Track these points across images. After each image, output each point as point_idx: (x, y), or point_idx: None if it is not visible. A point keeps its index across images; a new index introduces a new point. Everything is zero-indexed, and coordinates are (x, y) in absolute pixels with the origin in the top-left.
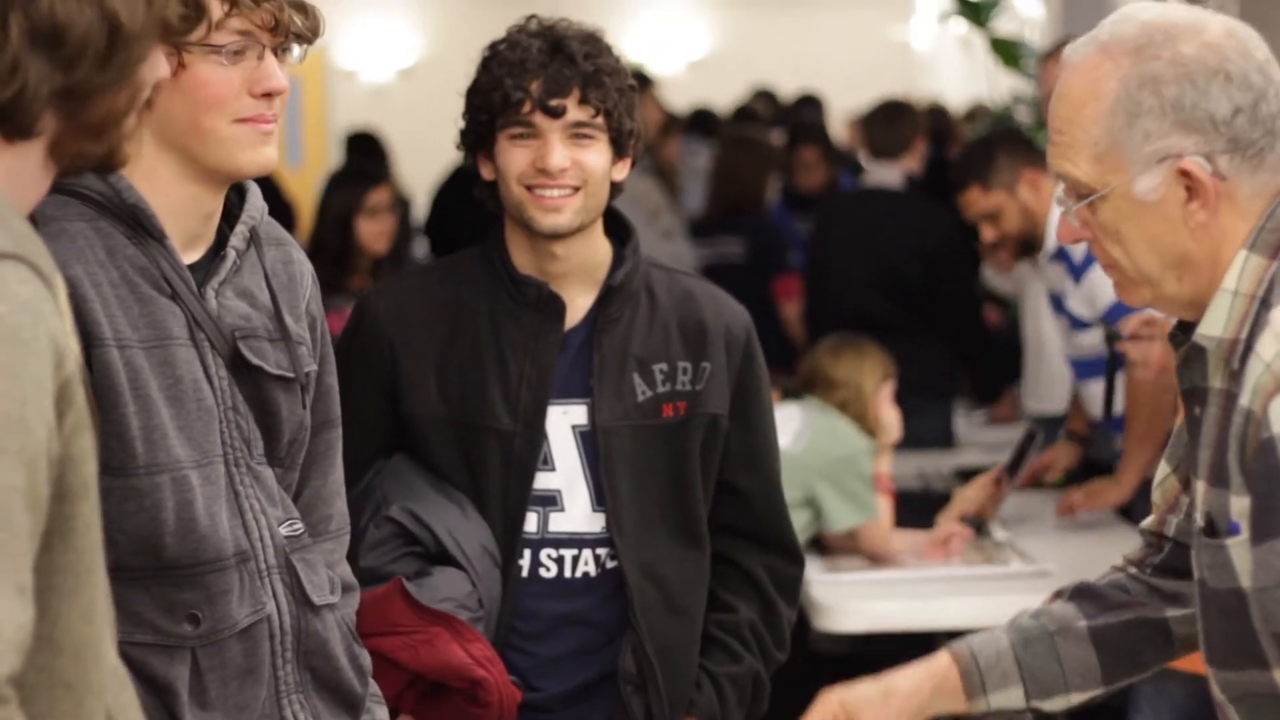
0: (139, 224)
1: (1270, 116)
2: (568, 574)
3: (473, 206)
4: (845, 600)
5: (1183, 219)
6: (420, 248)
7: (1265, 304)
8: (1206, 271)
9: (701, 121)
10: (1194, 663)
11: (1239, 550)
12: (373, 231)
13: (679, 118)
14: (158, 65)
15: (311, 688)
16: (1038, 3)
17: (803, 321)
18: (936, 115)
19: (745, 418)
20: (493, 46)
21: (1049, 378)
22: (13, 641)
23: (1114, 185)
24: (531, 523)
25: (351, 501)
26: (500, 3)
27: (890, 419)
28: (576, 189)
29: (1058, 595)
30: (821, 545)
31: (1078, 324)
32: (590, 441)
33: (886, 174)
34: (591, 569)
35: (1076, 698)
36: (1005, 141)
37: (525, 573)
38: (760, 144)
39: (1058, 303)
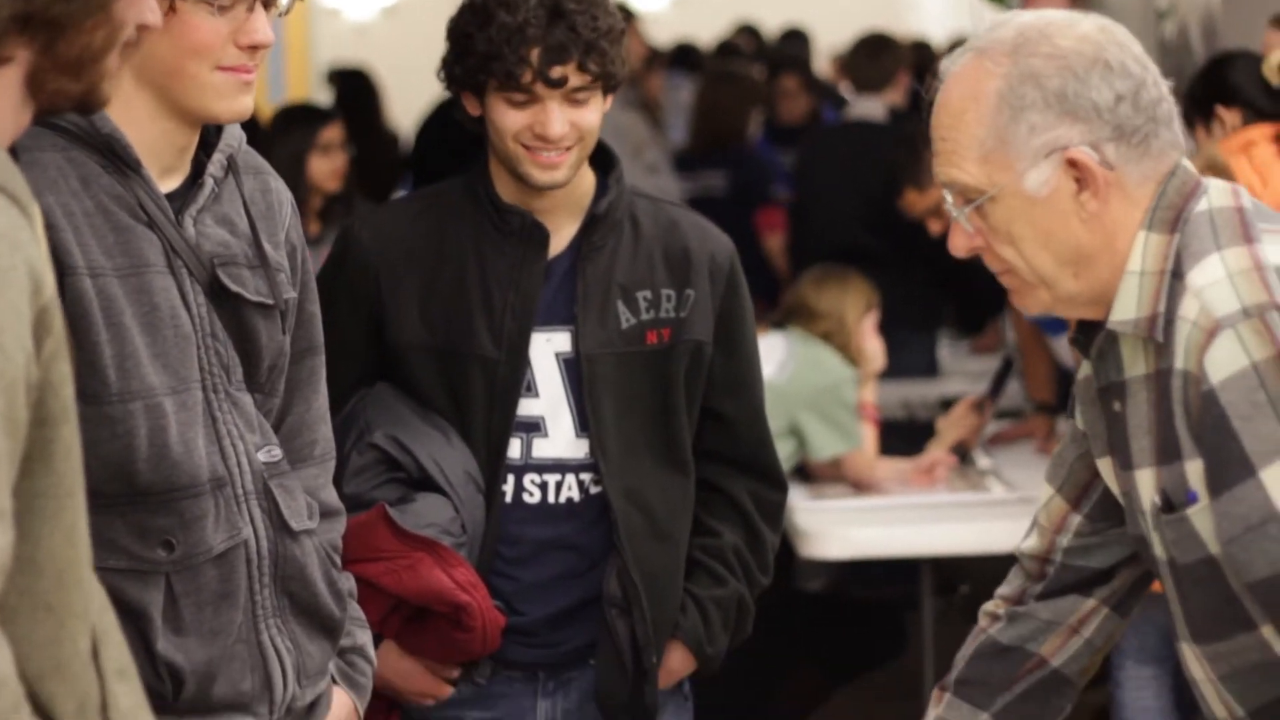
0: (114, 154)
1: (1151, 103)
2: (551, 499)
3: (455, 137)
4: (830, 527)
5: (1075, 211)
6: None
7: (1176, 275)
8: (1104, 264)
9: (685, 56)
10: None
11: (1201, 517)
12: (325, 170)
13: (662, 53)
14: (139, 6)
15: (289, 612)
16: None
17: (786, 254)
18: (920, 50)
19: (729, 345)
20: None
21: None
22: None
23: (1003, 184)
24: (515, 449)
25: (335, 429)
26: None
27: (873, 349)
28: (571, 146)
29: (942, 689)
30: (806, 474)
31: None
32: (574, 368)
33: (870, 107)
34: (575, 494)
35: None
36: (928, 138)
37: (509, 498)
38: (743, 78)
39: None
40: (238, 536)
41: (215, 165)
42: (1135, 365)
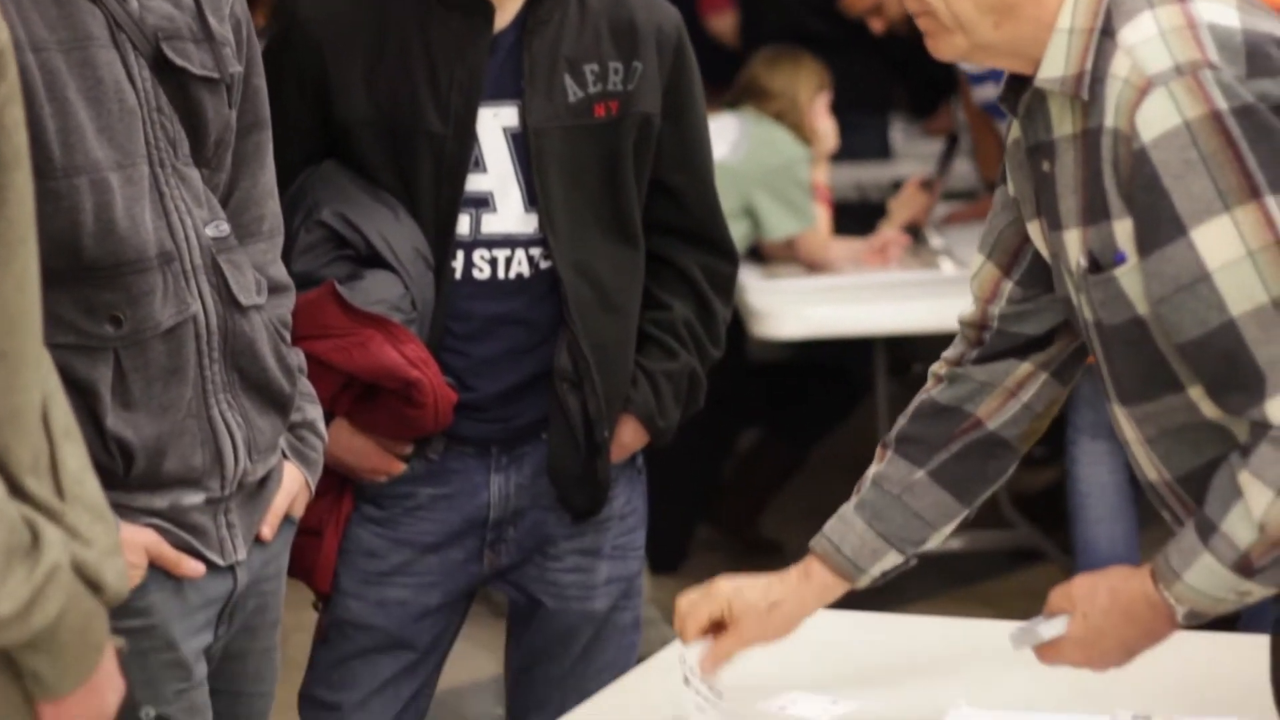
0: None
1: None
2: (501, 275)
3: None
4: (784, 306)
5: None
6: None
7: (1106, 33)
8: (1027, 17)
9: None
10: None
11: (1129, 277)
12: None
13: None
14: None
15: (239, 388)
16: None
17: (737, 35)
18: None
19: (677, 116)
20: None
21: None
22: None
23: None
24: (464, 225)
25: (283, 207)
26: None
27: (826, 128)
28: None
29: (884, 448)
30: (760, 255)
31: (974, 78)
32: (521, 143)
33: None
34: (525, 269)
35: (947, 530)
36: None
37: (458, 275)
38: None
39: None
40: (186, 311)
41: None
42: (1063, 124)
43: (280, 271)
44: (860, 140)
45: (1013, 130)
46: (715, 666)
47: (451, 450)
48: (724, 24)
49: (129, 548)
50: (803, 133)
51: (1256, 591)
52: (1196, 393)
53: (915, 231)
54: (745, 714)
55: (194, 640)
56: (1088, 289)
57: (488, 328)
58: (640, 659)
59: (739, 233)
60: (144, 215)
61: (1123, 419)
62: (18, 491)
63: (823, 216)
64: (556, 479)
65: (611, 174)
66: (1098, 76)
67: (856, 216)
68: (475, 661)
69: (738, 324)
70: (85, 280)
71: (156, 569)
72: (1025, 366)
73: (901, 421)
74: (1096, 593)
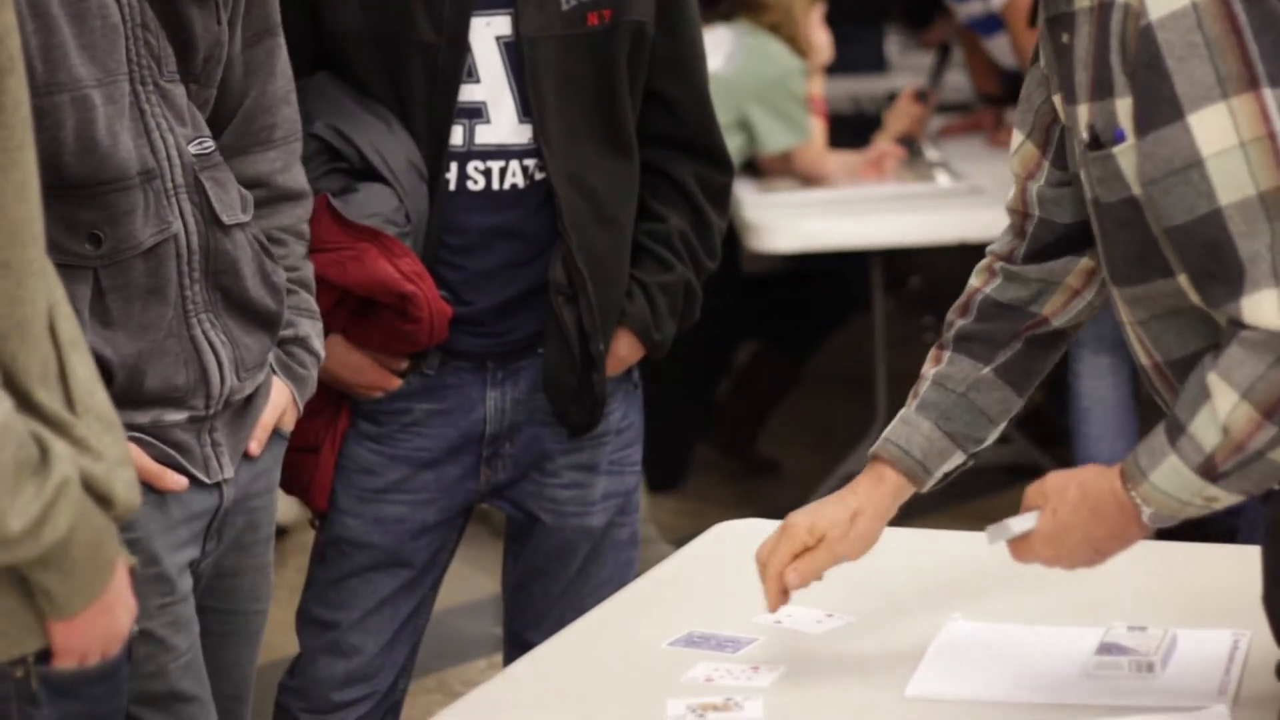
0: None
1: None
2: (495, 186)
3: None
4: (779, 220)
5: None
6: None
7: None
8: None
9: None
10: None
11: (1126, 156)
12: None
13: None
14: None
15: (222, 306)
16: None
17: None
18: None
19: (671, 24)
20: None
21: None
22: None
23: None
24: (457, 136)
25: None
26: None
27: (820, 40)
28: None
29: (940, 349)
30: (755, 168)
31: None
32: (515, 52)
33: None
34: (519, 180)
35: (1003, 426)
36: None
37: (453, 186)
38: None
39: None
40: (167, 230)
41: None
42: None
43: (294, 179)
44: (855, 52)
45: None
46: (804, 582)
47: (447, 365)
48: None
49: None
50: (797, 45)
51: (1222, 497)
52: (1185, 280)
53: (911, 144)
54: (740, 626)
55: (178, 555)
56: (1088, 165)
57: (483, 240)
58: (637, 576)
59: (733, 146)
60: (124, 133)
61: (1117, 299)
62: (27, 404)
63: (818, 129)
64: (552, 394)
65: (605, 83)
66: None
67: (852, 129)
68: (473, 581)
69: (732, 238)
70: (65, 198)
71: (139, 482)
72: (1084, 262)
73: (961, 320)
74: (1068, 489)
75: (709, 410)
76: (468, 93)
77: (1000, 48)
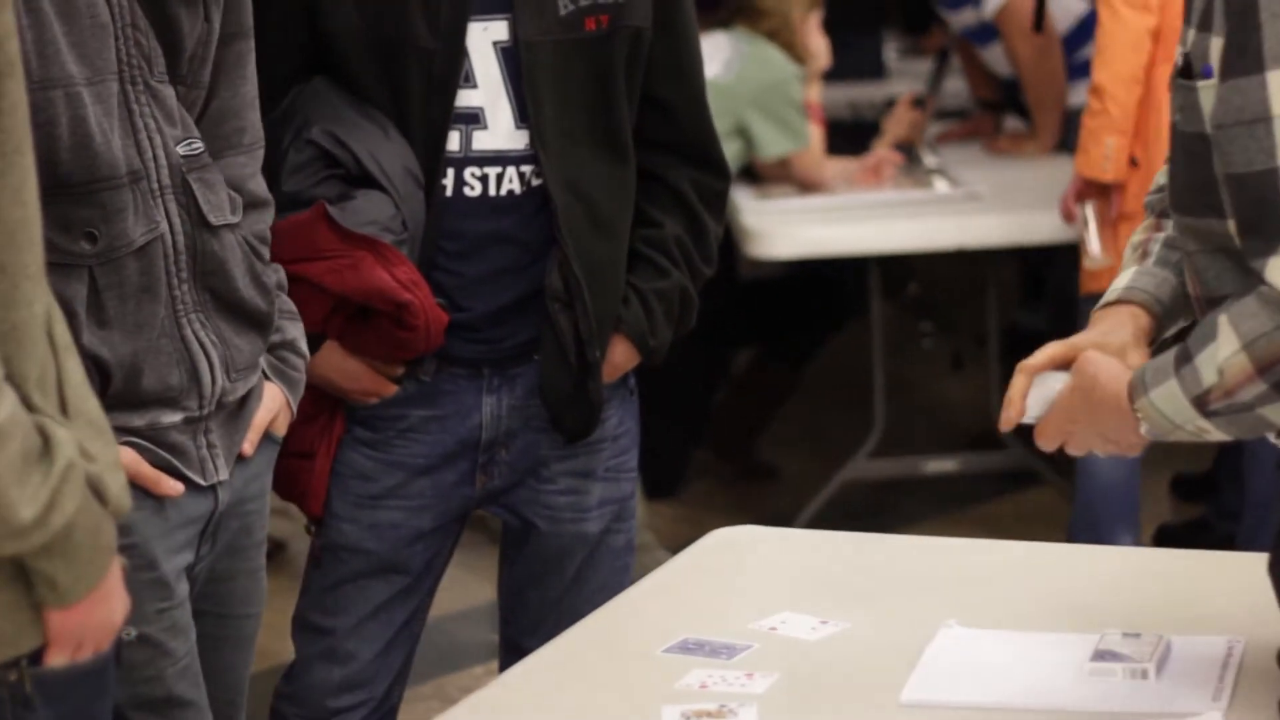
0: None
1: None
2: (492, 192)
3: None
4: (777, 226)
5: None
6: None
7: None
8: None
9: None
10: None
11: (1206, 94)
12: None
13: None
14: None
15: (212, 307)
16: None
17: None
18: None
19: (669, 29)
20: None
21: None
22: None
23: None
24: (454, 141)
25: (272, 124)
26: None
27: (818, 46)
28: None
29: (1159, 216)
30: (753, 174)
31: (950, 4)
32: (512, 57)
33: None
34: (516, 187)
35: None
36: None
37: (449, 192)
38: None
39: None
40: (155, 230)
41: None
42: None
43: (259, 186)
44: (853, 59)
45: None
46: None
47: (443, 371)
48: None
49: None
50: (795, 51)
51: (1213, 432)
52: (1232, 226)
53: (909, 150)
54: (735, 633)
55: (175, 559)
56: (1175, 89)
57: (479, 246)
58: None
59: (732, 152)
60: (114, 132)
61: (1176, 224)
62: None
63: (816, 136)
64: (548, 400)
65: (603, 89)
66: None
67: (850, 136)
68: (470, 589)
69: (730, 244)
70: (61, 197)
71: (136, 488)
72: None
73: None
74: (1090, 374)
75: (707, 417)
76: (465, 98)
77: (995, 56)
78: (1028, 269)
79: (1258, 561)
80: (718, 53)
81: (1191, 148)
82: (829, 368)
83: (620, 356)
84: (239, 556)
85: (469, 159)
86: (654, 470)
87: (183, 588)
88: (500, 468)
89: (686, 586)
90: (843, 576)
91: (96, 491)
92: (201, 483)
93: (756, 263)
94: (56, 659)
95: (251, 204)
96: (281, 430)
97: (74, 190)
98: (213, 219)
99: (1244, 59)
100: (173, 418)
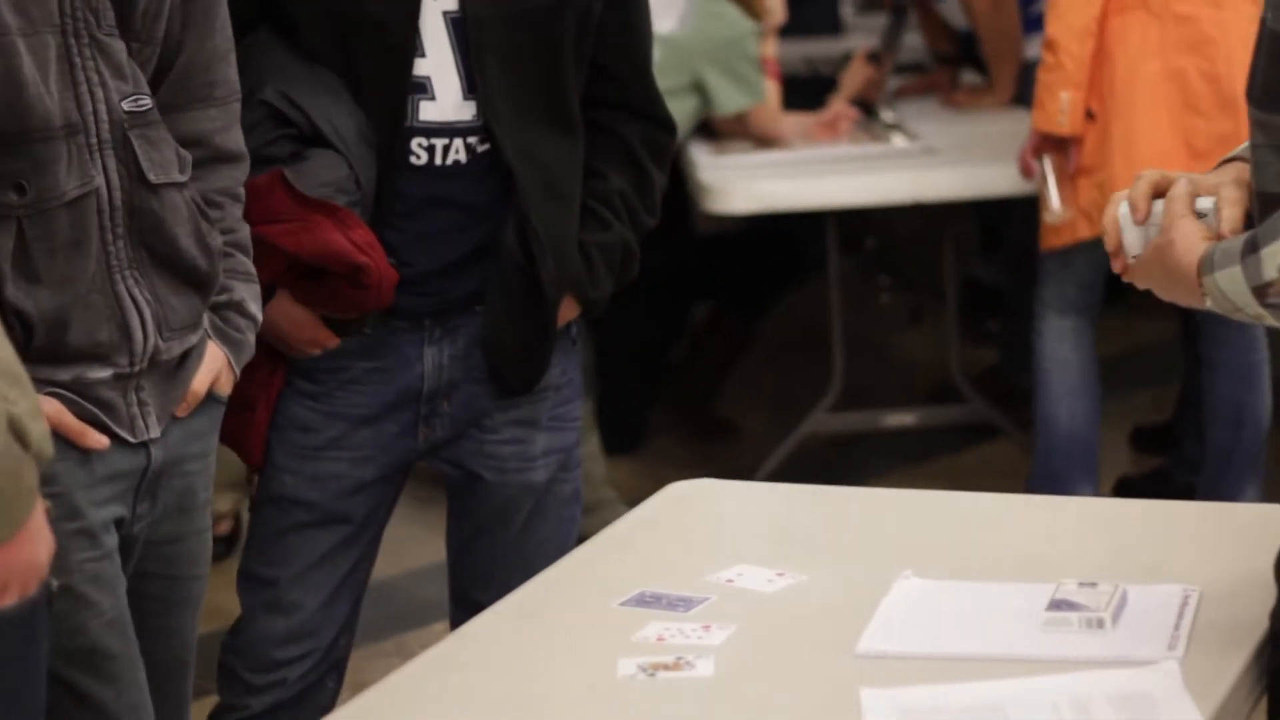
0: None
1: None
2: (438, 161)
3: None
4: (734, 182)
5: None
6: None
7: None
8: None
9: None
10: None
11: None
12: None
13: None
14: None
15: (148, 265)
16: None
17: None
18: None
19: (620, 2)
20: None
21: None
22: None
23: None
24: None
25: None
26: None
27: (774, 2)
28: None
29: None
30: (709, 130)
31: None
32: (461, 29)
33: None
34: (462, 157)
35: None
36: None
37: (394, 157)
38: None
39: None
40: (89, 185)
41: None
42: None
43: (230, 140)
44: (809, 14)
45: None
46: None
47: (385, 324)
48: None
49: None
50: (751, 7)
51: (1269, 318)
52: None
53: (867, 106)
54: (692, 586)
55: (101, 511)
56: None
57: (424, 207)
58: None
59: (688, 107)
60: (50, 84)
61: (1250, 115)
62: None
63: (773, 91)
64: (491, 351)
65: (551, 63)
66: None
67: (806, 91)
68: (430, 546)
69: (687, 200)
70: None
71: (61, 439)
72: None
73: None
74: (1169, 236)
75: (666, 372)
76: (414, 67)
77: (951, 9)
78: (985, 223)
79: (1215, 511)
80: (672, 7)
81: (1273, 48)
82: (787, 322)
83: (562, 308)
84: (185, 517)
85: (415, 129)
86: (613, 425)
87: (110, 540)
88: (443, 419)
89: (643, 540)
90: (799, 529)
91: (17, 434)
92: (130, 439)
93: (714, 218)
94: None
95: (221, 159)
96: (225, 390)
97: (4, 141)
98: (152, 176)
99: None
100: (101, 373)
